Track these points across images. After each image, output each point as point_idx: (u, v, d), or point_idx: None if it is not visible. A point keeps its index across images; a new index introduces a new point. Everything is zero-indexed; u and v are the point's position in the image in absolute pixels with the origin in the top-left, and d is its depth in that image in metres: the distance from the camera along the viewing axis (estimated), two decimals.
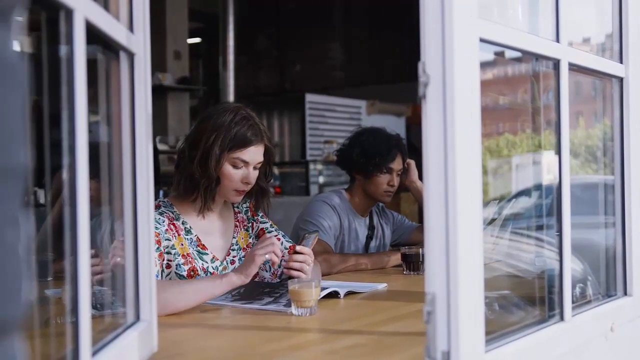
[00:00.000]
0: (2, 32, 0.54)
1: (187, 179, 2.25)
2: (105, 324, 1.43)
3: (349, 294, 2.22)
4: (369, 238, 3.18)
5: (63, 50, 1.05)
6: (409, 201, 6.83)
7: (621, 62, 1.85)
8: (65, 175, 1.05)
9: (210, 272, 2.26)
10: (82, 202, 1.04)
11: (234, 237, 2.40)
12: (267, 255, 2.01)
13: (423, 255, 2.69)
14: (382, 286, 2.39)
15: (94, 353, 1.12)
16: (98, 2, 1.17)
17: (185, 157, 2.25)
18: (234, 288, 2.06)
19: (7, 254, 0.55)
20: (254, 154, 2.26)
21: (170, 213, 2.24)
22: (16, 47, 0.57)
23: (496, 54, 1.52)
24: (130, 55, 1.38)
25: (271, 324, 1.83)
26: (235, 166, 2.24)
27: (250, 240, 2.43)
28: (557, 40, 1.56)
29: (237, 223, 2.43)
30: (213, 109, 2.31)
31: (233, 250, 2.38)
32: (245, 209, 2.48)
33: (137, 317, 1.40)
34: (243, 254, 2.38)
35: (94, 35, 1.14)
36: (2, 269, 0.54)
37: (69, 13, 1.02)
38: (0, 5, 0.54)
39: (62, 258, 1.11)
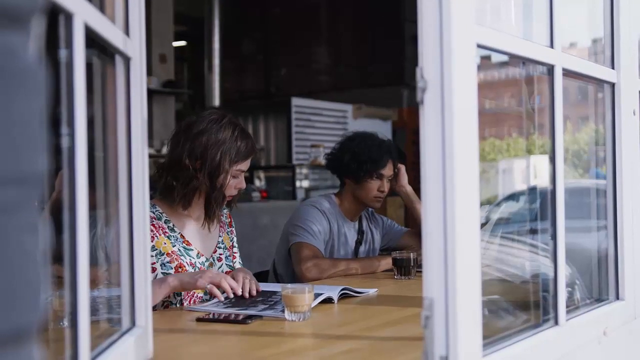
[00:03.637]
0: (20, 38, 0.54)
1: (192, 191, 2.31)
2: (101, 329, 1.42)
3: (343, 297, 2.23)
4: (359, 243, 3.18)
5: (62, 53, 1.04)
6: (394, 205, 6.85)
7: (613, 68, 1.87)
8: (63, 179, 1.04)
9: (198, 267, 2.33)
10: (81, 206, 1.03)
11: (220, 236, 2.48)
12: (208, 286, 2.08)
13: (414, 259, 2.70)
14: (373, 291, 2.39)
15: (92, 359, 1.11)
16: (94, 5, 1.16)
17: (190, 170, 2.26)
18: (227, 298, 2.11)
19: (26, 261, 0.54)
20: (249, 162, 2.40)
21: (151, 213, 2.26)
22: (35, 52, 0.57)
23: (482, 57, 1.52)
24: (127, 60, 1.37)
25: (265, 329, 1.83)
26: (235, 177, 2.35)
27: (231, 243, 2.53)
28: (551, 45, 1.56)
29: (222, 224, 2.52)
30: (206, 121, 2.33)
31: (219, 247, 2.46)
32: (225, 214, 2.57)
33: (133, 323, 1.39)
34: (228, 252, 2.48)
35: (91, 39, 1.14)
36: (22, 276, 0.54)
37: (69, 17, 1.01)
38: (18, 11, 0.54)
39: (53, 263, 1.10)
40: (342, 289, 2.24)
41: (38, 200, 0.58)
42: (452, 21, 1.19)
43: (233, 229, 2.57)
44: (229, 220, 2.58)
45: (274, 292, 2.22)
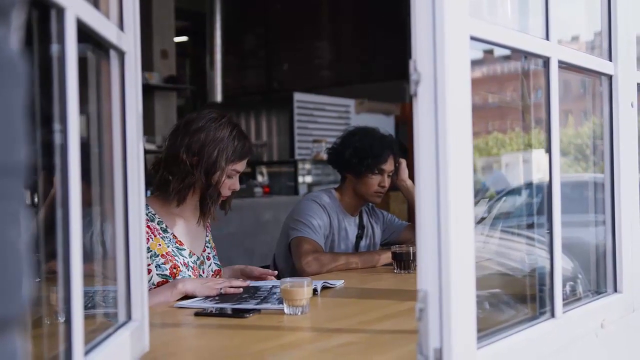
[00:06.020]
0: (1, 31, 0.54)
1: (187, 187, 2.32)
2: (96, 323, 1.42)
3: (324, 288, 2.29)
4: (359, 237, 3.18)
5: (54, 48, 1.04)
6: (398, 200, 6.85)
7: (610, 60, 1.86)
8: (56, 175, 1.05)
9: (191, 267, 2.36)
10: (74, 202, 1.03)
11: (207, 236, 2.52)
12: (222, 291, 2.17)
13: (413, 253, 2.70)
14: (340, 283, 2.43)
15: (86, 352, 1.12)
16: (88, 0, 1.16)
17: (187, 166, 2.28)
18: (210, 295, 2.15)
19: (8, 252, 0.55)
20: (245, 164, 2.42)
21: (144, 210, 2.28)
22: (16, 44, 0.57)
23: (485, 52, 1.52)
24: (121, 54, 1.37)
25: (263, 323, 1.83)
26: (229, 176, 2.37)
27: (214, 244, 2.58)
28: (547, 38, 1.56)
29: (208, 224, 2.54)
30: (205, 118, 2.35)
31: (207, 247, 2.50)
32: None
33: (129, 317, 1.40)
34: (214, 252, 2.53)
35: (84, 34, 1.14)
36: (4, 266, 0.54)
37: (61, 11, 1.01)
38: (0, 4, 0.54)
39: (51, 259, 1.11)
40: (323, 282, 2.31)
41: (21, 191, 0.58)
42: (445, 13, 1.18)
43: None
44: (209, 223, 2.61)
45: (258, 288, 2.25)
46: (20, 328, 0.57)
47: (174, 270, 2.28)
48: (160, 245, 2.30)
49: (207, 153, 2.30)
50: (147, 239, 2.25)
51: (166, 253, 2.30)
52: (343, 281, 2.46)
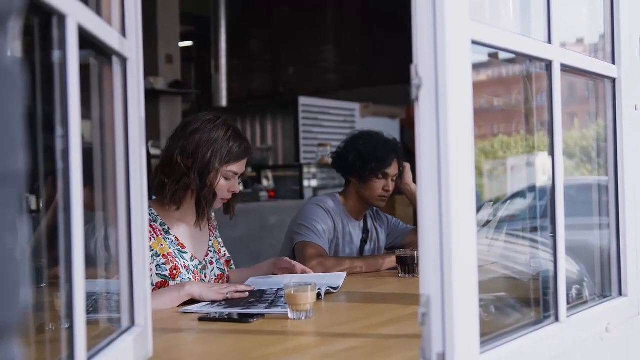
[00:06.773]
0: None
1: (183, 189, 2.32)
2: (100, 329, 1.42)
3: (328, 293, 2.27)
4: (364, 241, 3.18)
5: (56, 55, 1.04)
6: (403, 204, 6.84)
7: (613, 63, 1.86)
8: (58, 181, 1.05)
9: (192, 270, 2.36)
10: (76, 207, 1.04)
11: (210, 240, 2.52)
12: (228, 295, 2.16)
13: (418, 257, 2.69)
14: (342, 275, 2.47)
15: (89, 358, 1.12)
16: (90, 6, 1.17)
17: (182, 167, 2.29)
18: (217, 300, 2.15)
19: (6, 259, 0.55)
20: (243, 166, 2.41)
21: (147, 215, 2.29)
22: (13, 52, 0.58)
23: (490, 55, 1.52)
24: (123, 60, 1.38)
25: (267, 328, 1.83)
26: (226, 178, 2.36)
27: (220, 247, 2.57)
28: (549, 41, 1.56)
29: (211, 228, 2.55)
30: (200, 120, 2.37)
31: (211, 251, 2.50)
32: (213, 217, 2.61)
33: (132, 322, 1.40)
34: (218, 257, 2.52)
35: (86, 40, 1.14)
36: (2, 273, 0.55)
37: (62, 18, 1.02)
38: None
39: (56, 264, 1.11)
40: (326, 290, 2.27)
41: (19, 199, 0.58)
42: (446, 17, 1.19)
43: (218, 233, 2.61)
44: (215, 225, 2.61)
45: (264, 292, 2.25)
46: (19, 335, 0.58)
47: (174, 272, 2.29)
48: (162, 245, 2.31)
49: (201, 154, 2.30)
50: (150, 238, 2.25)
51: (167, 254, 2.30)
52: (345, 273, 2.48)
